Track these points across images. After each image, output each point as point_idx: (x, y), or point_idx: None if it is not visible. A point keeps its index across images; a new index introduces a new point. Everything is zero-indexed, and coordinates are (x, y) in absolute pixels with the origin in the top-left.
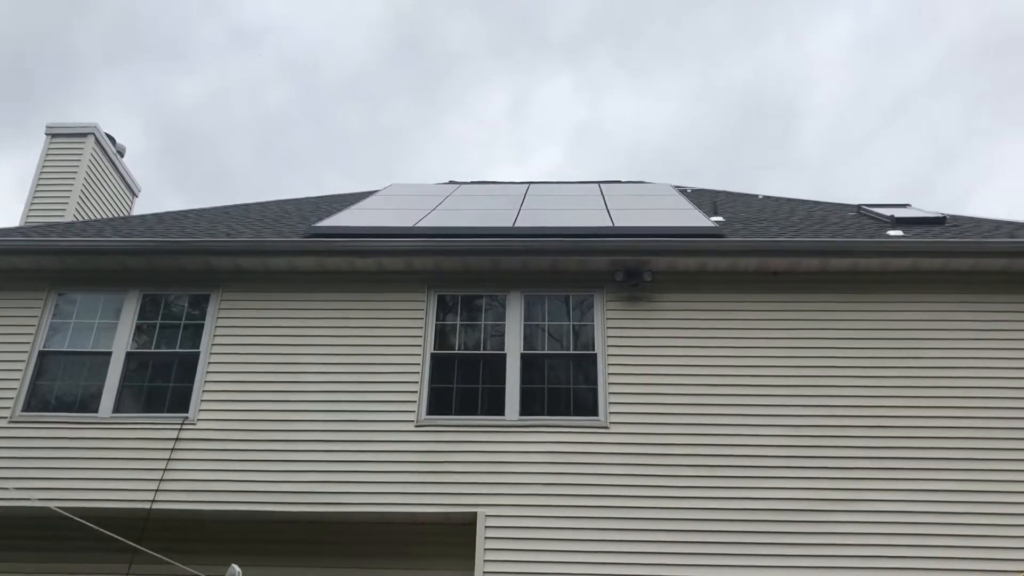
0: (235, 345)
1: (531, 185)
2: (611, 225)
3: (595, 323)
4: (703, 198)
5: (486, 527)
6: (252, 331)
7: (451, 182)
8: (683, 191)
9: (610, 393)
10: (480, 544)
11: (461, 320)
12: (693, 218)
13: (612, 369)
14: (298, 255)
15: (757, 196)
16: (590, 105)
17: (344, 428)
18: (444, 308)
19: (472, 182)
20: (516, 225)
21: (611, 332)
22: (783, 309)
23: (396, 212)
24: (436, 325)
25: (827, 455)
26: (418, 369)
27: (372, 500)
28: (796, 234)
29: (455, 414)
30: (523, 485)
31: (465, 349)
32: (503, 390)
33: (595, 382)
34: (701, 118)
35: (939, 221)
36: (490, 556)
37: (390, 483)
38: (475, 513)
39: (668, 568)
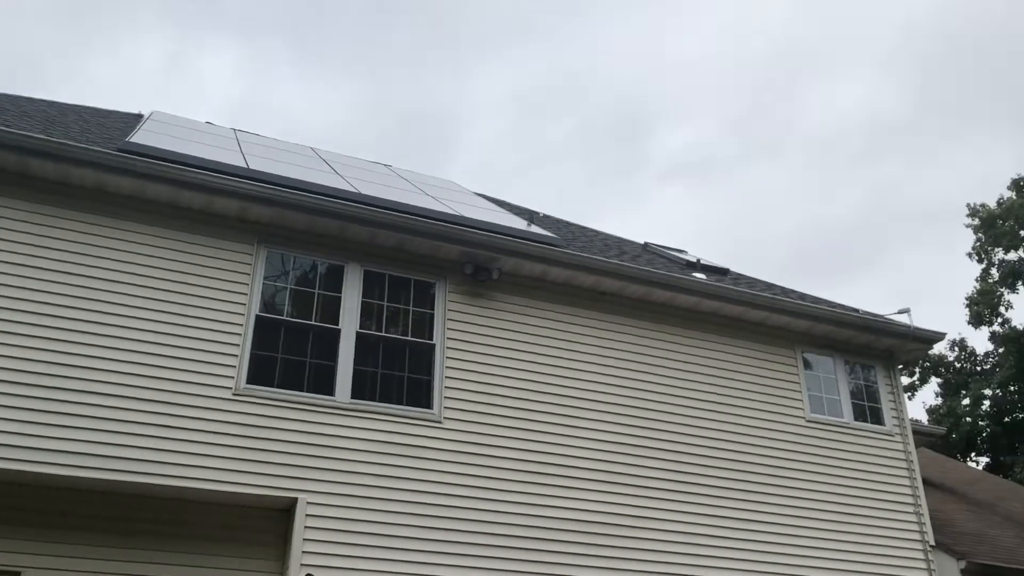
0: (15, 264)
1: (316, 149)
2: (464, 216)
3: (436, 312)
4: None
5: (306, 515)
6: (37, 249)
7: (208, 123)
8: (485, 196)
9: (446, 388)
10: (298, 533)
11: (293, 284)
12: (534, 228)
13: (450, 363)
14: (113, 172)
15: (537, 214)
16: (252, 83)
17: (148, 386)
18: (275, 267)
19: (241, 131)
20: (362, 193)
21: (452, 324)
22: (610, 329)
23: (213, 149)
24: (264, 284)
25: (636, 472)
26: (240, 331)
27: (176, 473)
28: (626, 261)
29: (279, 387)
30: (350, 473)
31: (296, 317)
32: (334, 368)
33: (431, 373)
34: (360, 125)
35: (724, 272)
36: (308, 547)
37: (199, 455)
38: (295, 499)
39: (488, 568)
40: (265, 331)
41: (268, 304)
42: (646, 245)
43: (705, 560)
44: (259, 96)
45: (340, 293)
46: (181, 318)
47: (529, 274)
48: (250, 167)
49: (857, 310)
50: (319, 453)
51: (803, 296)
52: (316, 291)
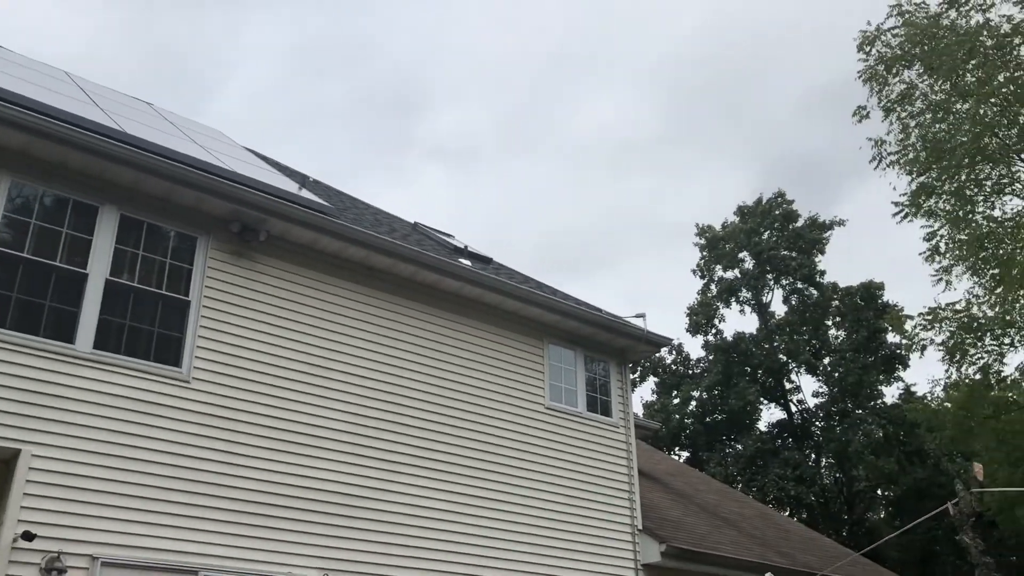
0: None
1: (71, 75)
2: (235, 171)
3: (195, 268)
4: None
5: (30, 468)
6: None
7: None
8: (254, 152)
9: (198, 347)
10: (18, 487)
11: (37, 219)
12: (306, 193)
13: (205, 322)
14: None
15: (308, 178)
16: None
17: None
18: (15, 198)
19: None
20: (127, 132)
21: (211, 283)
22: (373, 304)
23: None
24: (4, 216)
25: (383, 446)
26: None
27: None
28: (396, 239)
29: (9, 328)
30: (85, 427)
31: (35, 255)
32: (77, 315)
33: (184, 331)
34: (112, 54)
35: (488, 260)
36: (30, 503)
37: None
38: (18, 450)
39: (227, 532)
40: (3, 268)
41: (6, 239)
42: (416, 225)
43: (443, 534)
44: None
45: (92, 236)
46: None
47: (298, 240)
48: (1, 86)
49: (601, 310)
50: (51, 404)
51: (555, 292)
52: (64, 230)
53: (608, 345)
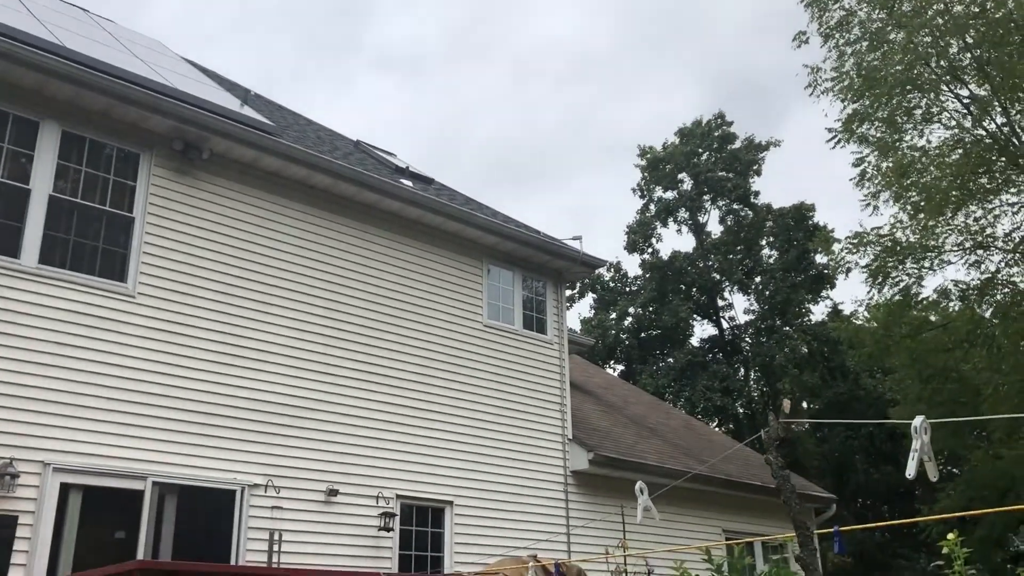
0: None
1: None
2: (177, 88)
3: (139, 185)
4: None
5: None
6: None
7: None
8: (194, 64)
9: (143, 263)
10: None
11: None
12: (248, 110)
13: (149, 238)
14: None
15: (250, 92)
16: None
17: None
18: None
19: None
20: (67, 46)
21: (154, 200)
22: (315, 223)
23: None
24: None
25: (326, 360)
26: None
27: None
28: (338, 158)
29: None
30: (32, 340)
31: None
32: (22, 230)
33: (128, 247)
34: None
35: (430, 181)
36: None
37: None
38: None
39: (174, 441)
40: None
41: None
42: (358, 143)
43: (382, 443)
44: None
45: (33, 151)
46: None
47: (240, 158)
48: None
49: (539, 232)
50: (1, 318)
51: (496, 214)
52: (5, 145)
53: (546, 266)
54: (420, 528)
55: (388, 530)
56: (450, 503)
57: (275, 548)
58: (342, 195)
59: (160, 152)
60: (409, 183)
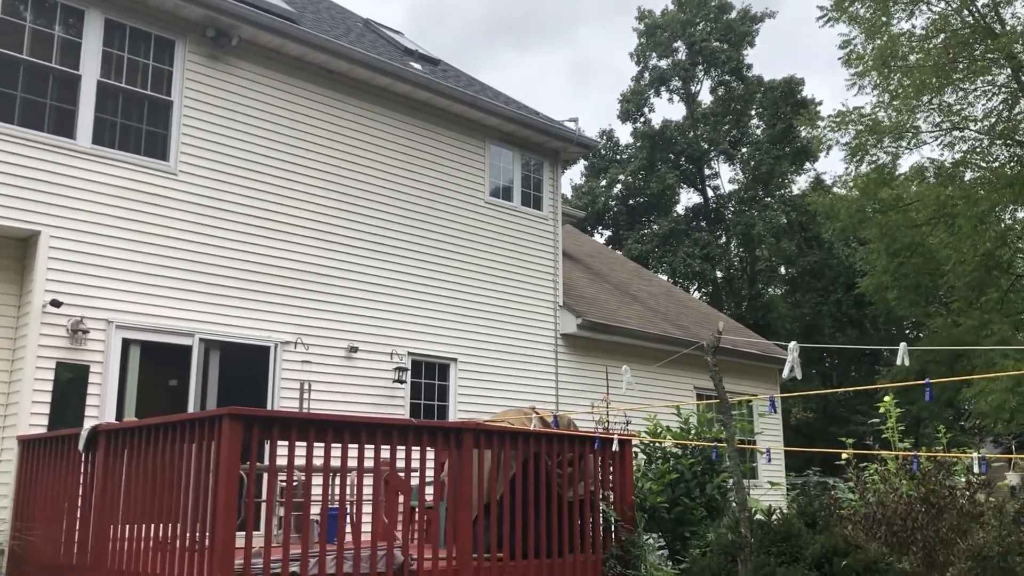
0: None
1: None
2: None
3: (175, 70)
4: None
5: (50, 247)
6: None
7: None
8: None
9: (182, 143)
10: (42, 263)
11: (31, 22)
12: None
13: (186, 120)
14: None
15: None
16: None
17: None
18: (13, 3)
19: None
20: None
21: (190, 84)
22: (333, 105)
23: None
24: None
25: (344, 231)
26: None
27: None
28: (352, 43)
29: (17, 124)
30: (91, 213)
31: (34, 56)
32: (75, 113)
33: (168, 128)
34: None
35: (436, 62)
36: (52, 276)
37: None
38: (38, 231)
39: (210, 303)
40: (5, 70)
41: (7, 40)
42: (367, 22)
43: (395, 306)
44: None
45: (81, 39)
46: None
47: (266, 45)
48: None
49: (539, 114)
50: (61, 192)
51: (498, 95)
52: (56, 33)
53: (543, 146)
54: (428, 381)
55: (401, 382)
56: (454, 360)
57: (305, 396)
58: (358, 79)
59: (193, 39)
60: (418, 66)
